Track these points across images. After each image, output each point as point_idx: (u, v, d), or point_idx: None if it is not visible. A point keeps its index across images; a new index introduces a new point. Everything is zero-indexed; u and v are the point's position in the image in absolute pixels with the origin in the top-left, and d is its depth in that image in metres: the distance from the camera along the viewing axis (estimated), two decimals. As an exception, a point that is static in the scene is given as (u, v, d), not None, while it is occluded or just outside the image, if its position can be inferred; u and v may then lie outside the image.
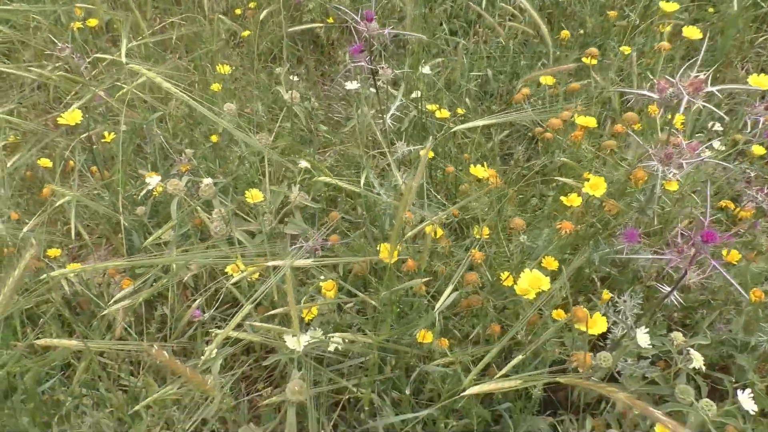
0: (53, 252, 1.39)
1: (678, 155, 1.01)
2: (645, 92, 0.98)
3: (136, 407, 0.93)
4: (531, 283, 0.99)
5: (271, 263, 0.87)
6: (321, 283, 1.19)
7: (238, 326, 0.99)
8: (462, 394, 0.74)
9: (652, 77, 1.72)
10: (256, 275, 1.24)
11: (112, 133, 1.50)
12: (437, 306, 0.94)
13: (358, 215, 1.54)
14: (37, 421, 1.01)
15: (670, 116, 1.02)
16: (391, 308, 1.10)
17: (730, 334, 1.21)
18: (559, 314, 1.12)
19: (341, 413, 1.28)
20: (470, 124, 1.17)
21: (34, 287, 1.10)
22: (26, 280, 1.31)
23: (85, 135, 1.48)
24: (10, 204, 1.41)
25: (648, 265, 1.25)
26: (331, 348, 1.18)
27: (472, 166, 1.20)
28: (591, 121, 1.23)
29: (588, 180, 1.08)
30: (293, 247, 1.26)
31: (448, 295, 0.95)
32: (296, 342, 0.90)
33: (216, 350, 0.92)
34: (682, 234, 0.88)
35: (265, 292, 0.78)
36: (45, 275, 0.85)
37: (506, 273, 1.12)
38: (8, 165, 1.38)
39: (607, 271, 1.28)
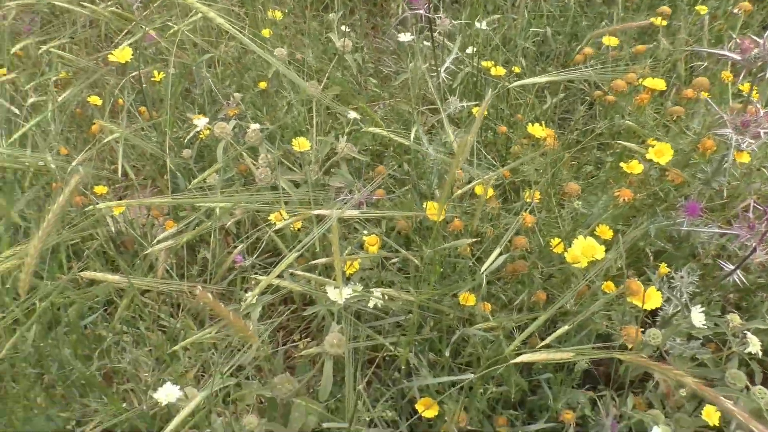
0: (100, 189, 1.39)
1: (755, 124, 0.93)
2: (725, 52, 0.90)
3: (174, 347, 0.93)
4: (584, 250, 0.95)
5: (316, 212, 0.85)
6: (364, 238, 1.16)
7: (279, 275, 0.98)
8: (505, 363, 0.70)
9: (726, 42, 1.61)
10: (299, 225, 1.23)
11: (162, 72, 1.49)
12: (483, 267, 0.90)
13: (405, 172, 1.51)
14: (78, 354, 1.03)
15: (749, 82, 0.95)
16: (434, 268, 1.07)
17: (790, 319, 1.14)
18: (609, 287, 1.07)
19: (376, 371, 1.27)
20: (527, 81, 1.11)
21: (80, 221, 1.10)
22: (72, 215, 1.33)
23: (134, 74, 1.46)
24: (60, 139, 1.42)
25: (708, 241, 1.19)
26: (371, 305, 1.16)
27: (529, 124, 1.15)
28: (659, 84, 1.16)
29: (652, 146, 1.02)
30: (338, 199, 1.23)
31: (495, 258, 0.91)
32: (338, 294, 0.88)
33: (256, 297, 0.91)
34: (754, 208, 0.82)
35: (311, 242, 0.75)
36: (91, 207, 0.84)
37: (557, 239, 1.08)
38: (58, 100, 1.38)
39: (662, 246, 1.22)
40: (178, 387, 0.84)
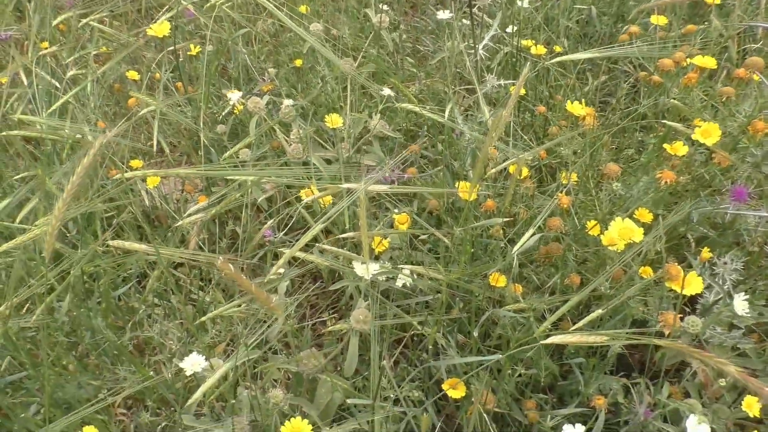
0: (136, 163, 1.41)
1: (811, 104, 0.88)
2: (782, 28, 0.85)
3: (202, 318, 0.93)
4: (621, 232, 0.91)
5: (345, 186, 0.83)
6: (394, 216, 1.15)
7: (307, 249, 0.97)
8: (534, 345, 0.68)
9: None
10: (329, 200, 1.22)
11: (198, 47, 1.49)
12: (516, 248, 0.88)
13: (439, 152, 1.48)
14: (109, 323, 1.04)
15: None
16: (464, 248, 1.05)
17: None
18: (646, 272, 1.03)
19: (403, 350, 1.26)
20: (566, 57, 1.07)
21: (113, 192, 1.11)
22: (107, 187, 1.34)
23: (171, 49, 1.47)
24: (98, 113, 1.44)
25: (755, 228, 1.13)
26: (399, 284, 1.14)
27: (569, 102, 1.11)
28: (709, 62, 1.10)
29: (699, 126, 0.97)
30: (369, 176, 1.22)
31: (528, 238, 0.89)
32: (365, 269, 0.87)
33: (282, 270, 0.90)
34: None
35: (336, 213, 0.74)
36: (119, 175, 0.84)
37: (593, 221, 1.04)
38: (97, 73, 1.40)
39: (704, 232, 1.17)
40: (204, 357, 0.84)
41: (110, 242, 0.78)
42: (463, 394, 1.03)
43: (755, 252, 1.15)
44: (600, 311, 0.94)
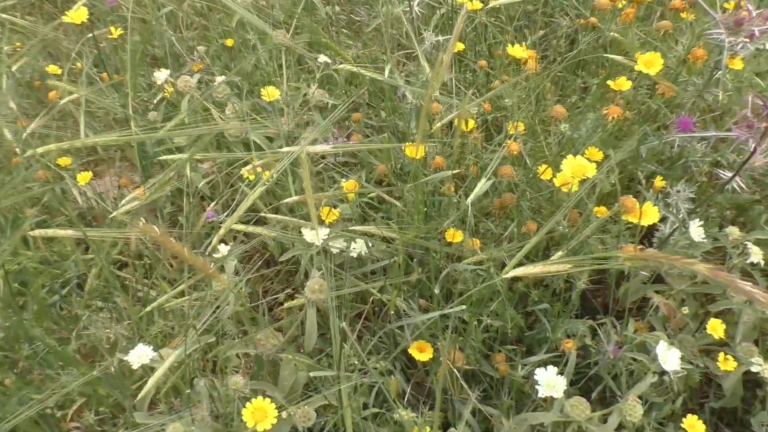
0: (63, 161, 1.33)
1: (749, 23, 0.87)
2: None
3: (146, 309, 0.88)
4: (574, 170, 0.89)
5: (286, 149, 0.79)
6: (342, 184, 1.10)
7: (249, 221, 0.92)
8: (503, 276, 0.65)
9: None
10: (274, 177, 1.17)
11: (119, 29, 1.41)
12: (470, 196, 0.85)
13: (383, 119, 1.44)
14: (47, 330, 0.97)
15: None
16: (417, 207, 1.02)
17: (790, 230, 1.10)
18: (601, 211, 1.02)
19: (366, 323, 1.22)
20: (499, 2, 1.05)
21: (40, 193, 1.04)
22: (36, 190, 1.26)
23: (91, 36, 1.38)
24: (18, 112, 1.35)
25: (701, 159, 1.14)
26: (354, 254, 1.11)
27: (509, 45, 1.08)
28: (643, -6, 1.09)
29: (641, 57, 0.95)
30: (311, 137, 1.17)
31: (482, 186, 0.86)
32: (314, 234, 0.83)
33: (227, 247, 0.85)
34: (753, 105, 0.76)
35: (278, 172, 0.70)
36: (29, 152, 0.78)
37: (544, 166, 1.02)
38: (13, 69, 1.31)
39: (653, 169, 1.17)
40: (152, 348, 0.79)
41: (32, 233, 0.71)
42: (431, 356, 1.00)
43: (704, 182, 1.16)
44: (560, 253, 0.93)
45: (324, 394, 0.84)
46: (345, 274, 1.03)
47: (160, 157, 0.91)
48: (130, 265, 1.26)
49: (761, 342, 1.07)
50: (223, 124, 1.15)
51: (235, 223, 0.83)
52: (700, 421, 0.95)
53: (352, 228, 0.87)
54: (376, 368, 1.02)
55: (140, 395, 0.73)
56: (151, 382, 0.73)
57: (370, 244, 1.07)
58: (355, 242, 1.09)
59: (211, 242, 1.00)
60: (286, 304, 0.94)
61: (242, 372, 0.97)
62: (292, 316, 1.07)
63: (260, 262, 1.23)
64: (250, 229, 0.82)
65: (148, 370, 0.82)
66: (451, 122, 1.17)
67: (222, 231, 0.72)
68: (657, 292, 1.13)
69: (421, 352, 1.00)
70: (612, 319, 1.06)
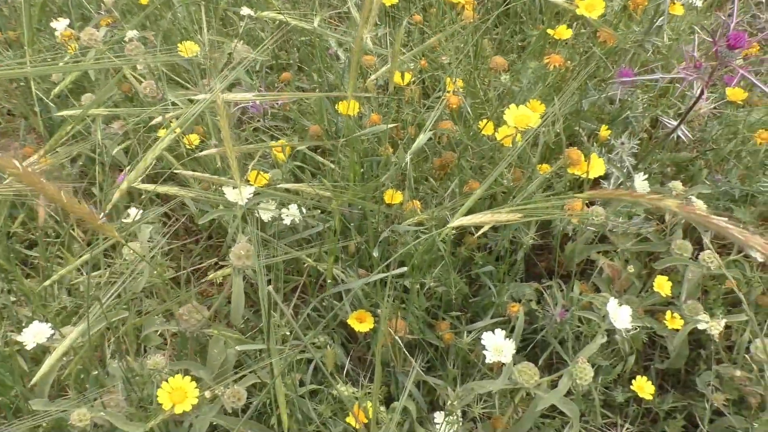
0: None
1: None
2: None
3: (45, 283, 0.77)
4: (517, 119, 0.84)
5: (200, 96, 0.69)
6: (271, 144, 1.01)
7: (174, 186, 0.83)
8: (450, 227, 0.59)
9: None
10: (196, 140, 1.06)
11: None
12: (410, 150, 0.78)
13: (314, 81, 1.36)
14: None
15: None
16: (352, 167, 0.95)
17: (729, 185, 1.09)
18: (544, 168, 0.98)
19: (302, 296, 1.14)
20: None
21: None
22: None
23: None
24: None
25: (641, 114, 1.11)
26: (287, 221, 1.02)
27: (443, -10, 1.01)
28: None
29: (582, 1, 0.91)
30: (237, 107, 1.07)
31: (421, 139, 0.79)
32: (237, 193, 0.74)
33: (138, 210, 0.75)
34: (700, 43, 0.73)
35: (192, 115, 0.60)
36: None
37: (485, 120, 0.97)
38: None
39: (595, 127, 1.14)
40: (50, 326, 0.68)
41: None
42: (371, 327, 0.94)
43: (644, 138, 1.13)
44: (506, 209, 0.87)
45: (254, 369, 0.75)
46: (276, 242, 0.95)
47: (60, 113, 0.79)
48: (40, 244, 1.13)
49: (703, 301, 1.06)
50: (141, 90, 1.03)
51: (149, 183, 0.74)
52: (649, 383, 0.92)
53: (282, 185, 0.79)
54: (313, 343, 0.95)
55: (35, 378, 0.63)
56: (48, 362, 0.63)
57: (304, 210, 0.99)
58: (288, 208, 1.01)
59: (125, 209, 0.89)
60: (210, 275, 0.85)
61: (167, 352, 0.87)
62: (222, 292, 0.98)
63: (182, 232, 1.12)
64: (164, 189, 0.72)
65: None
66: (386, 83, 1.09)
67: (124, 185, 0.62)
68: (600, 252, 1.10)
69: (361, 323, 0.93)
70: (558, 282, 1.02)
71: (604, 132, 0.92)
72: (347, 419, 0.83)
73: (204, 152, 0.71)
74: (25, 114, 1.40)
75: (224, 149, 0.66)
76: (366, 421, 0.83)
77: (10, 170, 0.46)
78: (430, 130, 0.79)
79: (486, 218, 0.58)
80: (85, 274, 0.79)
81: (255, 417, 0.92)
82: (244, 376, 0.84)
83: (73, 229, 1.02)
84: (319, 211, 1.00)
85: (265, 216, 0.98)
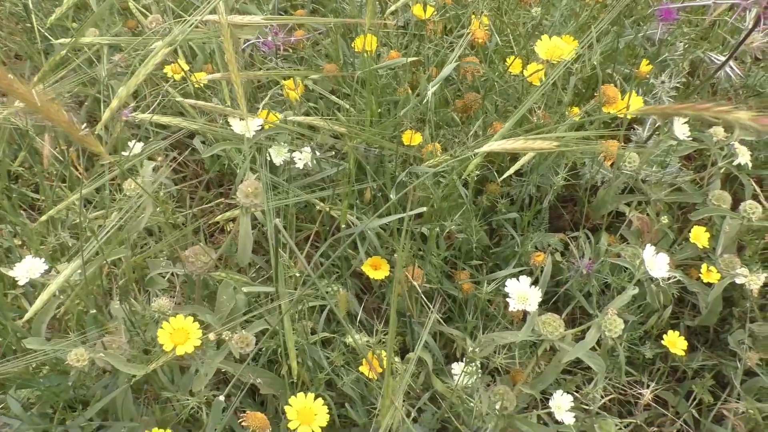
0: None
1: None
2: None
3: (42, 218, 0.73)
4: (548, 51, 0.77)
5: (206, 17, 0.63)
6: (283, 82, 0.96)
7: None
8: (480, 150, 0.53)
9: None
10: (203, 79, 1.00)
11: None
12: (433, 83, 0.72)
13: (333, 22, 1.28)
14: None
15: None
16: (369, 105, 0.88)
17: (774, 134, 1.01)
18: (574, 111, 0.91)
19: (315, 244, 1.10)
20: None
21: None
22: None
23: None
24: None
25: (681, 56, 1.03)
26: (300, 165, 0.97)
27: None
28: None
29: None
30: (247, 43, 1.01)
31: (447, 70, 0.73)
32: (244, 125, 0.68)
33: (141, 144, 0.70)
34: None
35: (190, 27, 0.55)
36: None
37: (512, 57, 0.90)
38: None
39: (628, 70, 1.06)
40: (43, 261, 0.64)
41: None
42: (387, 274, 0.89)
43: (683, 83, 1.06)
44: (531, 153, 0.81)
45: (263, 312, 0.71)
46: (288, 186, 0.90)
47: (57, 41, 0.74)
48: (43, 187, 1.09)
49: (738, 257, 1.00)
50: (147, 24, 0.97)
51: (151, 114, 0.69)
52: (681, 338, 0.87)
53: (293, 119, 0.73)
54: (327, 292, 0.90)
55: (27, 314, 0.59)
56: (42, 298, 0.59)
57: (318, 153, 0.93)
58: (300, 151, 0.95)
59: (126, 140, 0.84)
60: (218, 217, 0.80)
61: (175, 298, 0.83)
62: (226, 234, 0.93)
63: (191, 177, 1.08)
64: (166, 119, 0.67)
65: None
66: (406, 23, 1.02)
67: (114, 103, 0.56)
68: (629, 204, 1.04)
69: (376, 270, 0.88)
70: (585, 232, 0.96)
71: (644, 67, 0.85)
72: (360, 368, 0.79)
73: (209, 76, 0.65)
74: (30, 55, 1.35)
75: (229, 74, 0.60)
76: (380, 370, 0.79)
77: (13, 90, 0.41)
78: (456, 61, 0.73)
79: (519, 144, 0.52)
80: (84, 211, 0.75)
81: (265, 366, 0.88)
82: (251, 321, 0.80)
83: (77, 169, 0.97)
84: (334, 153, 0.94)
85: (277, 160, 0.92)
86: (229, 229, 1.10)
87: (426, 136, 0.84)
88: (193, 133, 1.13)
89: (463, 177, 0.72)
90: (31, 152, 1.12)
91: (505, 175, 0.78)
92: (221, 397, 0.60)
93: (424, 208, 0.68)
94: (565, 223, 1.15)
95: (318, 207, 0.95)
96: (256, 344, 0.76)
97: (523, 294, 0.70)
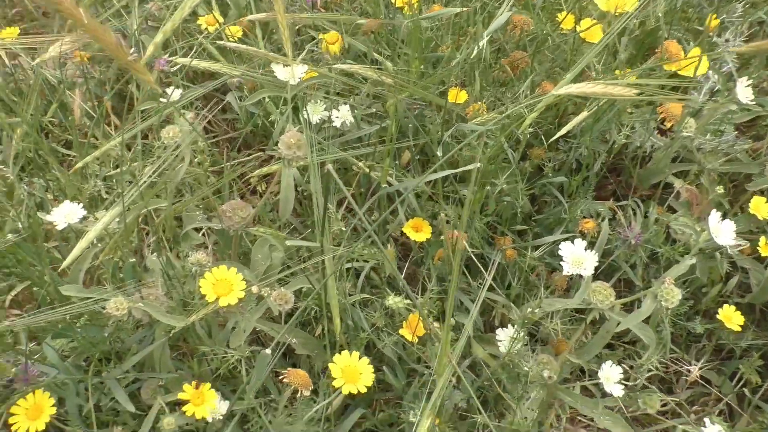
0: (9, 32, 1.11)
1: None
2: None
3: (78, 165, 0.70)
4: (609, 2, 0.72)
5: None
6: (322, 36, 0.92)
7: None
8: (555, 92, 0.49)
9: None
10: (238, 31, 0.97)
11: None
12: (488, 29, 0.67)
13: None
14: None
15: None
16: (412, 61, 0.85)
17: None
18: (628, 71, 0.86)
19: (349, 208, 1.07)
20: None
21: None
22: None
23: None
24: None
25: (738, 19, 0.97)
26: (337, 123, 0.93)
27: None
28: None
29: None
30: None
31: (501, 17, 0.69)
32: (289, 72, 0.65)
33: (180, 91, 0.67)
34: None
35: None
36: None
37: (564, 13, 0.85)
38: None
39: (684, 33, 1.01)
40: (81, 206, 0.62)
41: None
42: (428, 236, 0.86)
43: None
44: (584, 113, 0.77)
45: (305, 266, 0.68)
46: (326, 143, 0.87)
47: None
48: (75, 145, 1.07)
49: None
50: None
51: (190, 58, 0.65)
52: (738, 313, 0.83)
53: (338, 67, 0.70)
54: (366, 253, 0.87)
55: (66, 262, 0.57)
56: (80, 245, 0.56)
57: (356, 109, 0.90)
58: (338, 110, 0.92)
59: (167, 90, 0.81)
60: (256, 172, 0.77)
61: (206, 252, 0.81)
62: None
63: (219, 132, 1.04)
64: (205, 64, 0.64)
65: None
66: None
67: (151, 48, 0.53)
68: (678, 175, 0.99)
69: (417, 232, 0.85)
70: (635, 200, 0.92)
71: (713, 21, 0.80)
72: (400, 331, 0.77)
73: (251, 17, 0.62)
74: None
75: (274, 14, 0.56)
76: (421, 333, 0.77)
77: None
78: (507, 11, 0.69)
79: (598, 89, 0.48)
80: (125, 153, 0.72)
81: (299, 326, 0.86)
82: (287, 280, 0.77)
83: (108, 124, 0.95)
84: (373, 112, 0.91)
85: (314, 118, 0.89)
86: (261, 190, 1.08)
87: (476, 90, 0.80)
88: (225, 90, 1.11)
89: (519, 132, 0.68)
90: (61, 108, 1.10)
91: (555, 136, 0.74)
92: (267, 350, 0.57)
93: (478, 164, 0.64)
94: (608, 193, 1.10)
95: (354, 168, 0.92)
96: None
97: (578, 258, 0.67)
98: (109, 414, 0.72)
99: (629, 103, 0.82)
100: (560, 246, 0.67)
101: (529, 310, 0.67)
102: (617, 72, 0.86)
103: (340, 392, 0.64)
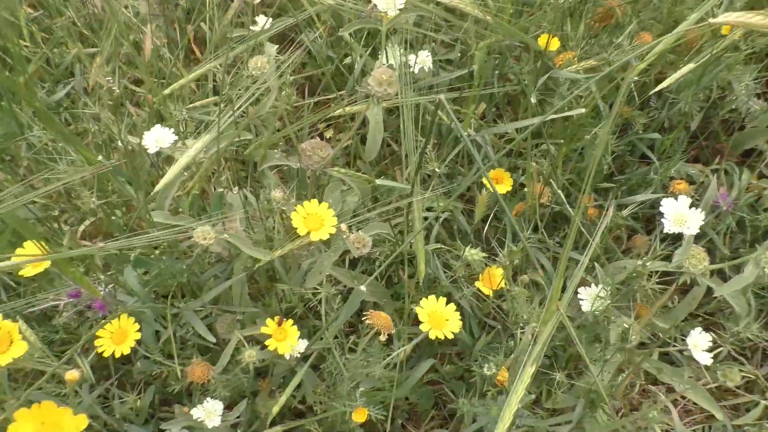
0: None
1: None
2: None
3: (165, 91, 0.69)
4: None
5: None
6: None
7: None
8: (715, 21, 0.45)
9: None
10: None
11: None
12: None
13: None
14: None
15: None
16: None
17: None
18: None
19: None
20: None
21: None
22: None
23: None
24: None
25: None
26: (416, 69, 0.90)
27: None
28: None
29: None
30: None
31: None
32: (389, 1, 0.62)
33: (267, 19, 0.65)
34: None
35: None
36: None
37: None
38: None
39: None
40: (172, 131, 0.61)
41: None
42: (509, 188, 0.83)
43: None
44: (691, 65, 0.72)
45: (385, 210, 0.66)
46: (406, 87, 0.83)
47: None
48: (146, 82, 1.06)
49: None
50: None
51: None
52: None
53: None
54: (440, 205, 0.85)
55: (158, 186, 0.56)
56: (173, 170, 0.55)
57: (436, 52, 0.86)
58: (416, 54, 0.88)
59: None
60: (338, 111, 0.75)
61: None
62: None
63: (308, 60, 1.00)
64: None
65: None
66: None
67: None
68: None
69: (498, 184, 0.82)
70: (731, 164, 0.87)
71: None
72: (476, 284, 0.74)
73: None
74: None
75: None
76: (497, 287, 0.74)
77: None
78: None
79: (756, 20, 0.43)
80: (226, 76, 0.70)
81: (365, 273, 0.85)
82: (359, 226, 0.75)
83: (179, 60, 0.93)
84: (456, 56, 0.87)
85: (391, 63, 0.86)
86: (330, 136, 1.06)
87: (578, 35, 0.75)
88: (298, 31, 1.07)
89: (628, 81, 0.64)
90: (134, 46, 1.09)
91: (657, 88, 0.70)
92: (363, 287, 0.56)
93: (582, 109, 0.61)
94: (690, 158, 1.05)
95: (428, 117, 0.89)
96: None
97: (681, 215, 0.63)
98: (182, 346, 0.72)
99: (741, 59, 0.77)
100: (661, 203, 0.63)
101: (639, 263, 0.63)
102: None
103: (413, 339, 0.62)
